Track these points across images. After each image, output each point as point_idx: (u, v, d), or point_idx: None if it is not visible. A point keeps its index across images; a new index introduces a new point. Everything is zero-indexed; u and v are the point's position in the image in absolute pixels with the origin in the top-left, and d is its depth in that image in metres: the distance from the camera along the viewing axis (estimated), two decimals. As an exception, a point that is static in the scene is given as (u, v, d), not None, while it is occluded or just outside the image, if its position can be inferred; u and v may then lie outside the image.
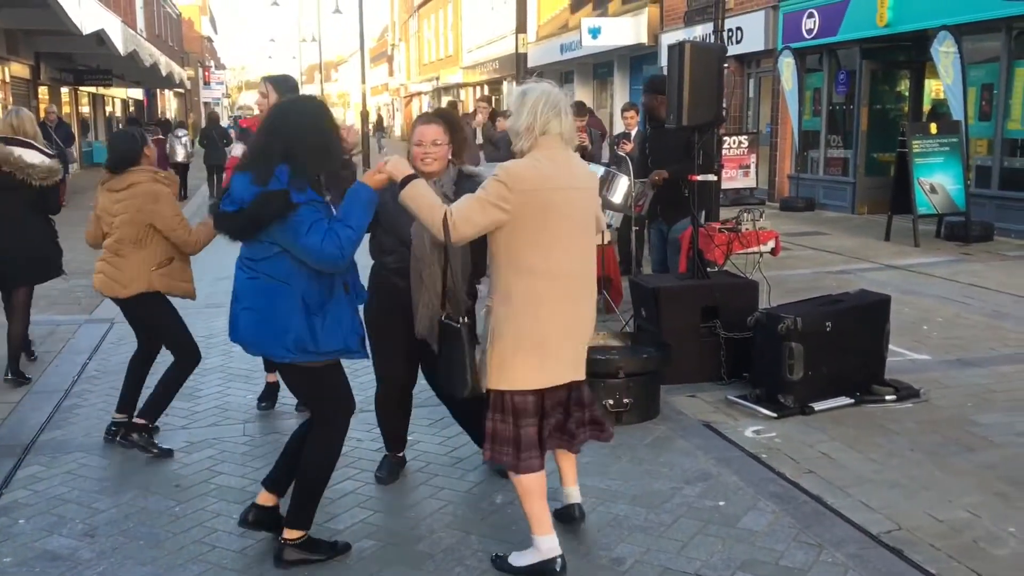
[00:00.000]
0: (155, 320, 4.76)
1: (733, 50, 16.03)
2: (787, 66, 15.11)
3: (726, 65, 8.15)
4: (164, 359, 4.94)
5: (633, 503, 3.97)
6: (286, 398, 5.27)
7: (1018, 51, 11.35)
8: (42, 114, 18.25)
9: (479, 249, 3.59)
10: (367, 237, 3.74)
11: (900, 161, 11.43)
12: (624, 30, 20.67)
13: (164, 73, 27.12)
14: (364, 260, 3.69)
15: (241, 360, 6.27)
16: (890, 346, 5.53)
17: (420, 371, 4.20)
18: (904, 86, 14.58)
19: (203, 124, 29.69)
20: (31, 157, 5.80)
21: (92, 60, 24.76)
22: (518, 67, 19.54)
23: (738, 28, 16.51)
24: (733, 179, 14.83)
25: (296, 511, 3.48)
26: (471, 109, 17.35)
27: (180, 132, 19.81)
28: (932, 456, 4.44)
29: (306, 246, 3.17)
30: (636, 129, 9.52)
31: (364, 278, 3.71)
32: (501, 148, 9.29)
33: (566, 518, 3.70)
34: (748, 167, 15.10)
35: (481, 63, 34.73)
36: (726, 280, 6.06)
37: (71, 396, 5.68)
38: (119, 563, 3.53)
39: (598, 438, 3.62)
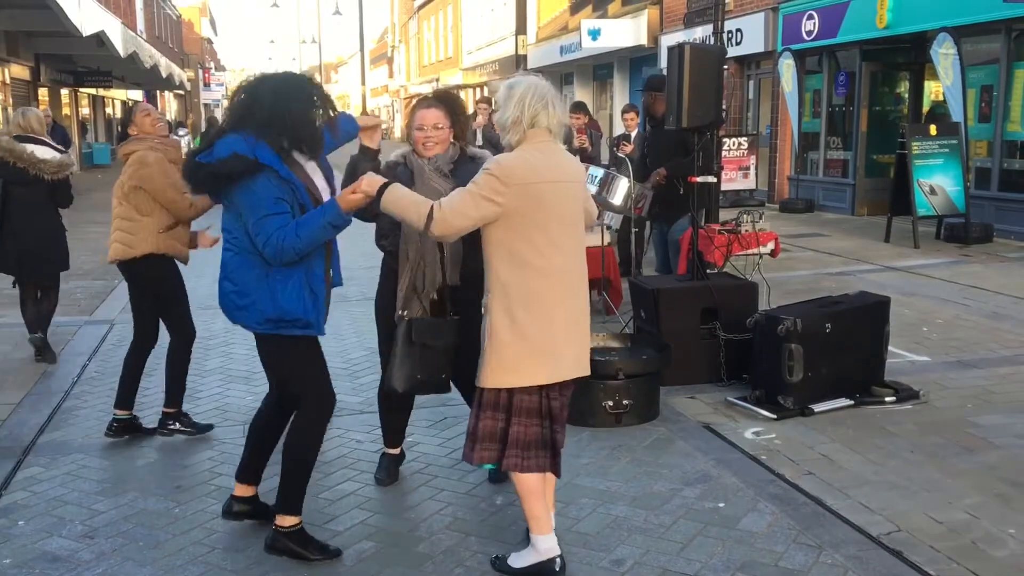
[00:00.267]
0: (161, 283, 4.85)
1: (733, 52, 16.02)
2: (787, 68, 15.11)
3: (726, 67, 8.15)
4: (157, 357, 5.00)
5: (633, 504, 3.96)
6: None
7: (1017, 53, 11.35)
8: (38, 116, 18.28)
9: (471, 242, 3.52)
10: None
11: (900, 163, 11.43)
12: (624, 32, 20.68)
13: (164, 75, 27.18)
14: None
15: (241, 361, 6.29)
16: (890, 347, 5.53)
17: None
18: (904, 88, 14.58)
19: (203, 126, 29.72)
20: (43, 153, 6.12)
21: (92, 62, 24.82)
22: (517, 68, 19.56)
23: (738, 30, 16.51)
24: (733, 180, 14.86)
25: (284, 497, 3.50)
26: (471, 111, 17.33)
27: (181, 131, 19.91)
28: (932, 457, 4.44)
29: (260, 226, 3.18)
30: (636, 131, 9.51)
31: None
32: (501, 149, 9.27)
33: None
34: (748, 168, 15.14)
35: (481, 65, 34.77)
36: (726, 281, 6.06)
37: (71, 397, 5.68)
38: (119, 564, 3.53)
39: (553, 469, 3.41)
